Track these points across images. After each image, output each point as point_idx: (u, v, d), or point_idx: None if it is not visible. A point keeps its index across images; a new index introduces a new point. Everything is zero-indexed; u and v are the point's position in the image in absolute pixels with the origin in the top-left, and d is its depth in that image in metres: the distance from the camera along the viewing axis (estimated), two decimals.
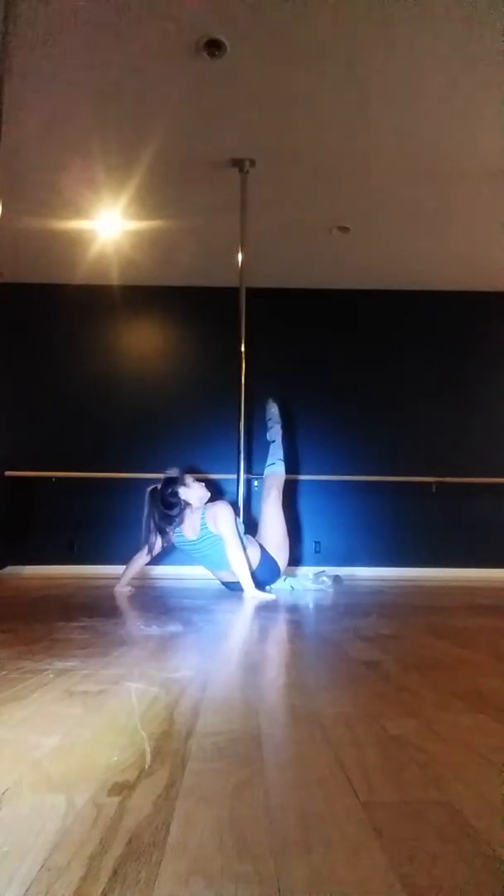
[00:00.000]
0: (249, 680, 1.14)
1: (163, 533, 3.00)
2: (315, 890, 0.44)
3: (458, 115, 2.85)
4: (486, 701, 0.97)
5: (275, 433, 3.58)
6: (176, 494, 2.98)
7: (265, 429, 4.57)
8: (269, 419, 3.64)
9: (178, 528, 3.00)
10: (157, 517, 2.98)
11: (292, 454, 4.56)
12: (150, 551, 3.05)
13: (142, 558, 3.11)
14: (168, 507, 2.97)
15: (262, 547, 3.11)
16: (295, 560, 4.35)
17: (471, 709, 0.92)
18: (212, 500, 3.10)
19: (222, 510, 2.92)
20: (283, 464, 3.48)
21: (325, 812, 0.57)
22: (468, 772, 0.67)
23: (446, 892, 0.44)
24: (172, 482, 3.02)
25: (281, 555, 3.15)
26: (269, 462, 3.53)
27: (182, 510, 2.99)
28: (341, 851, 0.50)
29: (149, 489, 3.06)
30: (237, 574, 2.86)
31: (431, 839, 0.52)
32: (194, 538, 2.97)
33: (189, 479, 3.08)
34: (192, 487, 3.05)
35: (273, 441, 3.56)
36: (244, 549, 2.92)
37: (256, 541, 3.16)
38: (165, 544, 3.08)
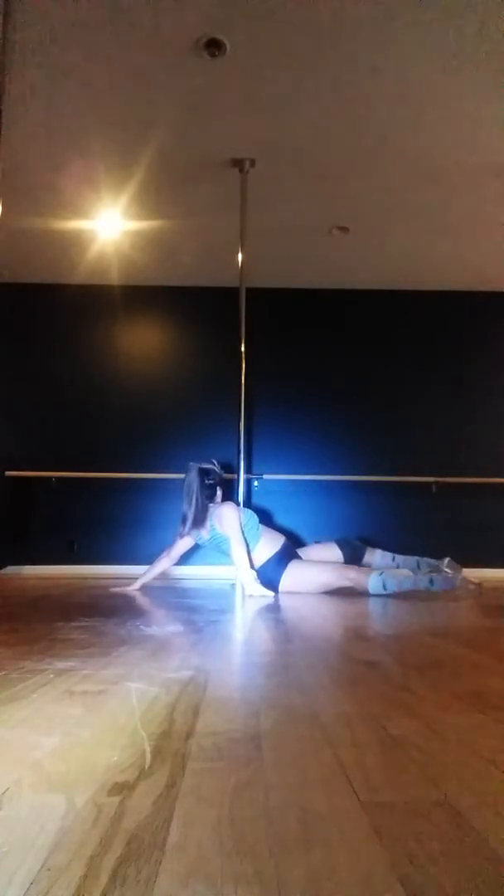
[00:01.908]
0: (249, 680, 1.14)
1: (200, 509, 3.11)
2: (315, 890, 0.44)
3: (458, 115, 2.85)
4: (486, 701, 0.97)
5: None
6: (213, 486, 3.16)
7: (265, 429, 4.59)
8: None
9: (195, 528, 3.10)
10: (200, 492, 3.12)
11: (293, 454, 4.56)
12: (174, 549, 3.20)
13: (167, 559, 3.19)
14: (207, 488, 3.16)
15: (281, 553, 3.06)
16: None
17: (471, 709, 0.92)
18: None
19: (226, 511, 2.98)
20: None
21: (325, 812, 0.57)
22: (468, 772, 0.67)
23: (446, 892, 0.44)
24: (216, 474, 3.18)
25: (294, 583, 3.03)
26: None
27: (213, 498, 3.14)
28: (341, 851, 0.50)
29: (197, 465, 3.17)
30: (236, 567, 2.92)
31: (431, 839, 0.52)
32: (208, 537, 3.06)
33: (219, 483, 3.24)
34: (218, 491, 3.20)
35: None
36: (247, 545, 2.97)
37: (280, 544, 3.12)
38: (188, 545, 3.20)
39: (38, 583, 3.57)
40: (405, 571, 3.16)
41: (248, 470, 4.00)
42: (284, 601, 2.64)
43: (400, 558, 3.25)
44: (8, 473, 4.38)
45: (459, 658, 1.34)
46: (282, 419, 4.62)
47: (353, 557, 3.21)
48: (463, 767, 0.69)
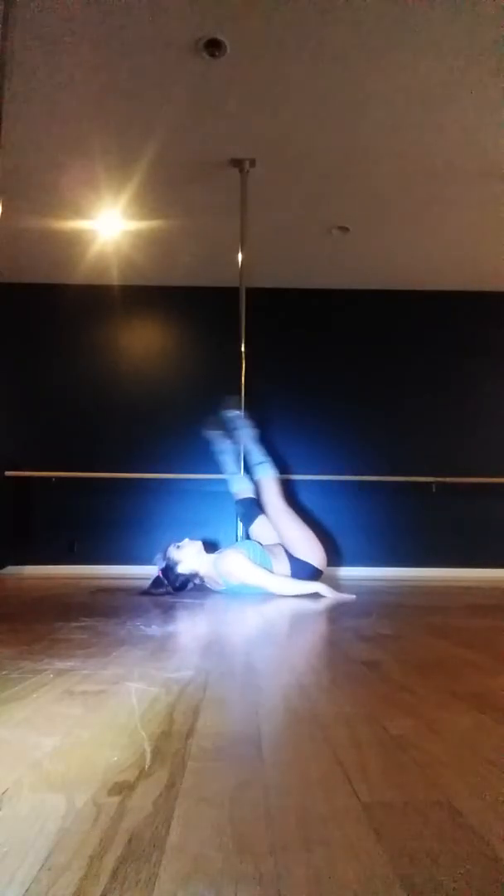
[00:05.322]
0: (249, 680, 1.14)
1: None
2: (315, 890, 0.44)
3: (458, 115, 2.85)
4: (486, 701, 0.97)
5: (247, 435, 3.36)
6: (178, 576, 2.80)
7: (265, 429, 4.57)
8: (236, 426, 3.38)
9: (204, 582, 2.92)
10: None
11: (293, 454, 4.56)
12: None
13: None
14: (183, 588, 2.81)
15: (290, 555, 3.02)
16: None
17: (471, 709, 0.92)
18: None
19: (231, 563, 2.78)
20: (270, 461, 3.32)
21: (325, 812, 0.57)
22: (468, 772, 0.67)
23: (446, 892, 0.44)
24: (167, 571, 2.80)
25: (313, 555, 3.02)
26: (257, 461, 3.30)
27: (195, 577, 2.85)
28: (341, 851, 0.50)
29: (153, 582, 2.83)
30: (287, 593, 2.77)
31: (431, 839, 0.52)
32: (224, 588, 2.87)
33: (175, 551, 2.85)
34: (185, 556, 2.83)
35: (248, 444, 3.36)
36: (270, 571, 2.87)
37: (283, 548, 3.06)
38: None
39: (38, 583, 3.57)
40: None
41: (248, 470, 3.99)
42: (283, 602, 2.64)
43: None
44: (8, 473, 4.38)
45: (459, 658, 1.34)
46: (282, 419, 4.62)
47: None
48: (463, 767, 0.68)
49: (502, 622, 2.02)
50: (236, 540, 3.26)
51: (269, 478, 3.26)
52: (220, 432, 3.47)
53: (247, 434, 3.38)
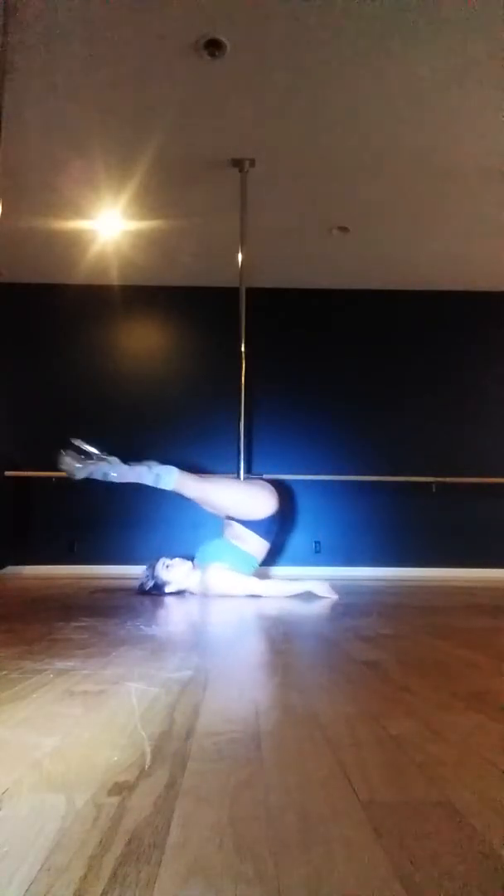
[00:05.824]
0: (249, 680, 1.14)
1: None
2: (315, 890, 0.44)
3: (457, 116, 2.85)
4: (486, 701, 0.97)
5: (118, 466, 2.88)
6: (165, 594, 2.78)
7: (265, 429, 4.58)
8: (102, 474, 2.85)
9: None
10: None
11: (293, 454, 4.56)
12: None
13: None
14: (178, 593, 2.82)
15: (247, 524, 2.95)
16: (295, 560, 4.35)
17: (471, 709, 0.92)
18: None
19: (220, 583, 2.76)
20: (164, 465, 2.90)
21: (325, 812, 0.57)
22: (468, 772, 0.67)
23: (446, 892, 0.44)
24: (155, 588, 2.80)
25: (263, 507, 2.93)
26: (153, 477, 2.85)
27: (183, 593, 2.83)
28: (341, 851, 0.50)
29: (139, 592, 2.82)
30: (280, 595, 2.77)
31: (431, 839, 0.52)
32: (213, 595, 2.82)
33: (164, 572, 2.81)
34: (174, 577, 2.81)
35: (124, 472, 2.88)
36: (250, 562, 2.93)
37: (243, 526, 2.97)
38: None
39: (38, 583, 3.57)
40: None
41: (248, 470, 3.99)
42: (282, 602, 2.64)
43: None
44: (8, 473, 4.38)
45: (459, 658, 1.34)
46: (282, 419, 4.62)
47: None
48: (463, 767, 0.68)
49: (502, 622, 2.02)
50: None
51: (176, 479, 2.90)
52: (83, 463, 2.90)
53: (117, 466, 2.88)
